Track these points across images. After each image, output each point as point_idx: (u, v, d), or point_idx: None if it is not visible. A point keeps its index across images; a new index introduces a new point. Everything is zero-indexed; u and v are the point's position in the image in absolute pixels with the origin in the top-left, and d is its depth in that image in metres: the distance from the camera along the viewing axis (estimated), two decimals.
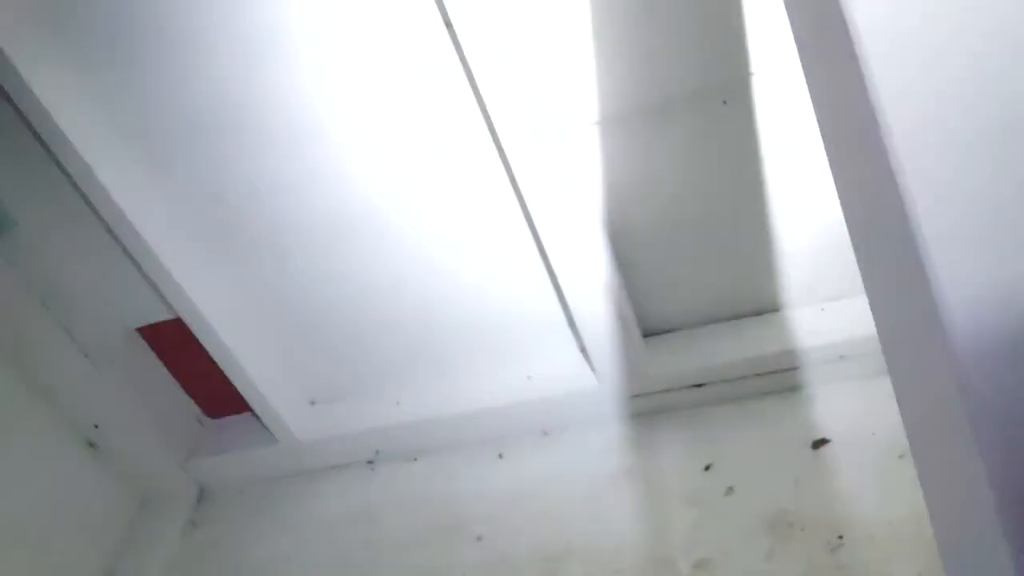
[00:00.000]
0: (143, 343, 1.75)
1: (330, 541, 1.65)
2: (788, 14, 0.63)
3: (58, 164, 1.41)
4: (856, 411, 1.43)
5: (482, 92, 1.26)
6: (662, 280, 1.55)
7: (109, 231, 1.48)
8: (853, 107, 0.46)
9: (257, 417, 1.75)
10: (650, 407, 1.58)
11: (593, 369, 1.57)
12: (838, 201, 0.62)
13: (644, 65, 1.30)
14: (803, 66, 0.62)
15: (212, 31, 1.30)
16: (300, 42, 1.30)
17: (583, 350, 1.57)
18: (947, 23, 0.45)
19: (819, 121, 0.61)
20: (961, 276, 0.41)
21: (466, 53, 1.22)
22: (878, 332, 0.59)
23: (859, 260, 0.58)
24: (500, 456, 1.65)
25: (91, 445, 1.71)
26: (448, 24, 1.22)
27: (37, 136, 1.38)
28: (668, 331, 1.61)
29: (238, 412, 1.82)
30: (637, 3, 1.23)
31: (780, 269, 1.51)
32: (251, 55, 1.32)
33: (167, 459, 1.80)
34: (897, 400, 0.57)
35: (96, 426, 1.69)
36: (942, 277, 0.41)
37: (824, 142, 0.61)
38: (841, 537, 1.28)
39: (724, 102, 1.31)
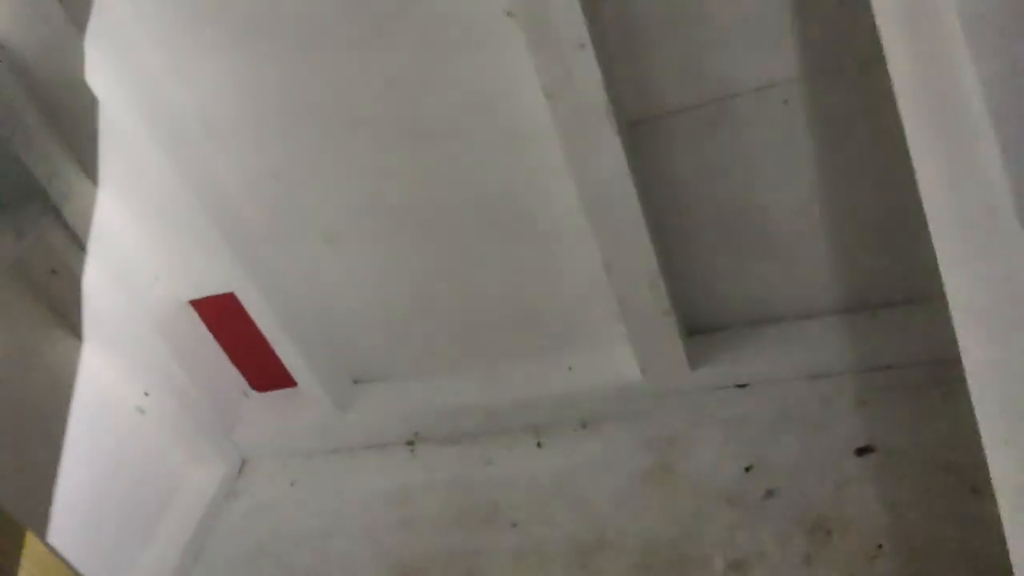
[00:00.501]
0: (195, 315, 1.79)
1: (366, 519, 1.67)
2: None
3: (121, 132, 1.44)
4: (902, 421, 1.41)
5: (541, 80, 1.26)
6: (711, 278, 1.54)
7: (168, 204, 1.51)
8: (948, 93, 0.45)
9: (302, 392, 1.77)
10: (692, 405, 1.57)
11: (636, 363, 1.57)
12: (921, 194, 0.59)
13: (706, 61, 1.29)
14: (888, 52, 0.59)
15: None
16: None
17: (628, 344, 1.57)
18: None
19: (904, 107, 0.58)
20: None
21: (527, 39, 1.22)
22: None
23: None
24: (539, 445, 1.66)
25: (140, 411, 1.75)
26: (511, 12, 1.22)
27: (102, 104, 1.41)
28: (714, 329, 1.60)
29: (283, 387, 1.85)
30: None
31: (831, 272, 1.49)
32: (313, 40, 1.34)
33: (212, 429, 1.84)
34: None
35: (146, 393, 1.73)
36: None
37: (909, 129, 0.59)
38: (881, 546, 1.27)
39: (785, 102, 1.30)
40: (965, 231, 0.50)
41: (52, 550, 1.35)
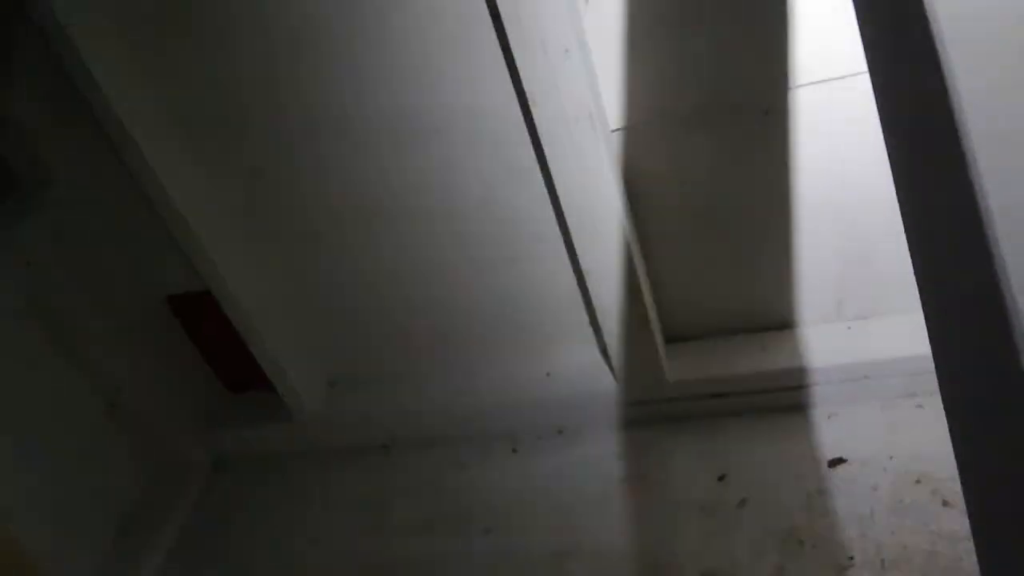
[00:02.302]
0: (170, 312, 1.77)
1: (340, 522, 1.66)
2: (858, 15, 0.61)
3: (100, 130, 1.42)
4: (876, 433, 1.42)
5: (525, 86, 1.26)
6: (688, 287, 1.55)
7: (146, 200, 1.49)
8: (931, 108, 0.45)
9: (276, 394, 1.76)
10: (668, 413, 1.58)
11: (613, 371, 1.57)
12: (900, 211, 0.59)
13: (686, 72, 1.29)
14: (871, 66, 0.60)
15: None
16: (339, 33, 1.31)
17: (604, 352, 1.57)
18: None
19: (884, 118, 0.59)
20: None
21: (512, 44, 1.22)
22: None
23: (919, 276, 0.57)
24: (514, 451, 1.66)
25: (112, 408, 1.73)
26: (496, 16, 1.22)
27: (83, 104, 1.39)
28: (691, 339, 1.61)
29: (258, 388, 1.84)
30: (688, 12, 1.23)
31: (808, 284, 1.50)
32: (292, 40, 1.33)
33: (185, 429, 1.82)
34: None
35: (118, 389, 1.71)
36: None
37: (889, 140, 0.59)
38: (852, 558, 1.28)
39: (765, 112, 1.31)
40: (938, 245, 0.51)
41: (21, 549, 1.33)
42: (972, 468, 0.51)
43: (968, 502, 0.50)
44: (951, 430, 0.53)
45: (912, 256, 0.56)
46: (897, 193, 0.58)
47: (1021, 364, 0.38)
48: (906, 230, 0.57)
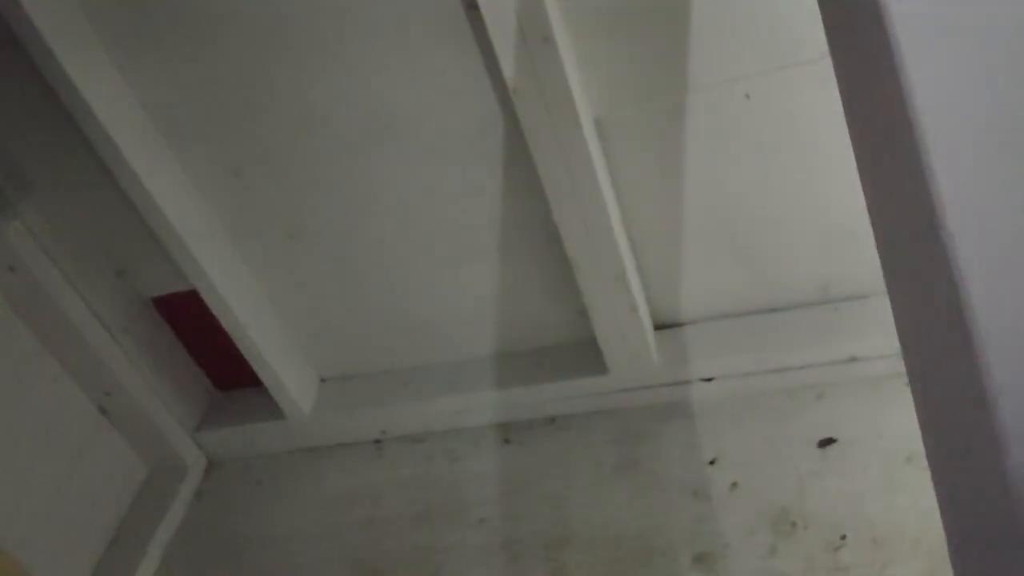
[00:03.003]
0: (157, 314, 1.77)
1: (333, 518, 1.66)
2: (820, 4, 0.62)
3: (78, 131, 1.41)
4: (865, 412, 1.43)
5: (505, 75, 1.26)
6: (676, 273, 1.55)
7: (128, 200, 1.48)
8: (886, 99, 0.45)
9: (267, 392, 1.76)
10: (658, 399, 1.58)
11: (603, 358, 1.57)
12: (863, 197, 0.60)
13: (666, 56, 1.29)
14: (832, 56, 0.61)
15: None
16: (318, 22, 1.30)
17: (594, 339, 1.57)
18: (986, 15, 0.45)
19: (847, 113, 0.60)
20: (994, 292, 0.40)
21: (491, 33, 1.22)
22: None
23: (882, 258, 0.58)
24: (506, 441, 1.66)
25: (102, 411, 1.73)
26: (473, 7, 1.22)
27: (60, 104, 1.38)
28: (680, 324, 1.61)
29: (248, 386, 1.83)
30: None
31: (795, 267, 1.50)
32: (272, 37, 1.33)
33: (176, 429, 1.81)
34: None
35: (107, 393, 1.70)
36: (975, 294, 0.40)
37: (851, 133, 0.60)
38: (844, 537, 1.28)
39: (747, 96, 1.31)
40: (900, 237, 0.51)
41: (7, 553, 1.33)
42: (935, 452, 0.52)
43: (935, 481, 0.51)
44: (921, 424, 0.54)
45: (877, 247, 0.57)
46: (862, 185, 0.59)
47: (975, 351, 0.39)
48: (872, 223, 0.58)
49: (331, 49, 1.33)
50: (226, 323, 1.63)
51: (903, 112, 0.43)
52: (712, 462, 1.46)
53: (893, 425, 1.39)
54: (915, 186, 0.43)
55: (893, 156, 0.48)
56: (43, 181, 1.55)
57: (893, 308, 0.57)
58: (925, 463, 1.30)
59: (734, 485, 1.42)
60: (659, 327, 1.61)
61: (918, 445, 1.39)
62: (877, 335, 1.44)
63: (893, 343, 1.43)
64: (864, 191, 0.60)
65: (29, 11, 1.26)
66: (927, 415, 0.54)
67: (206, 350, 1.83)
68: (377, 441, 1.77)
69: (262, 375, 1.72)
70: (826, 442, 1.42)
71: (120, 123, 1.41)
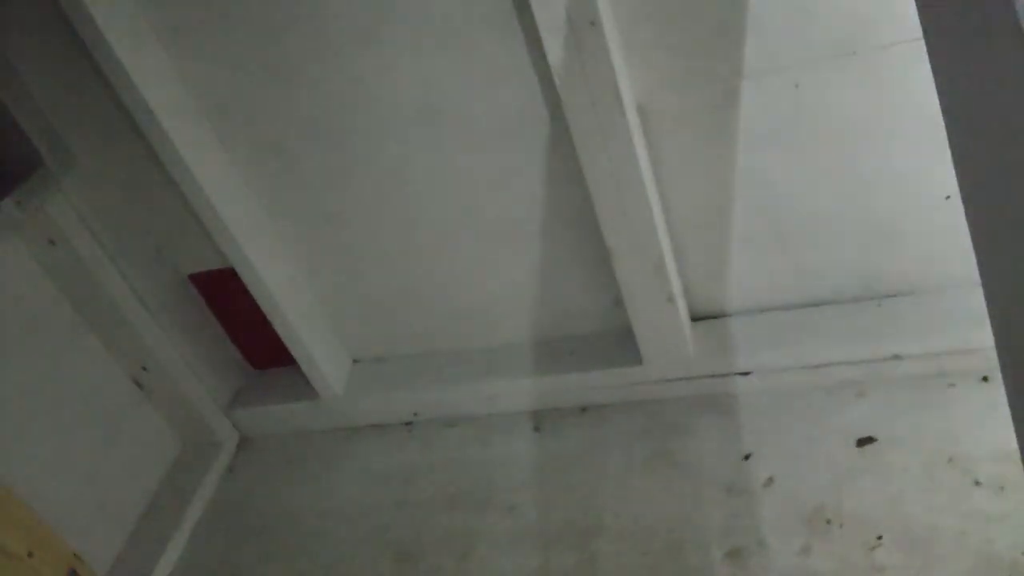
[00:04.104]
0: (194, 291, 1.78)
1: (363, 498, 1.66)
2: None
3: (123, 108, 1.42)
4: (906, 411, 1.40)
5: (550, 59, 1.24)
6: (715, 264, 1.53)
7: (169, 178, 1.49)
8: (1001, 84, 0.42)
9: (300, 371, 1.76)
10: (693, 391, 1.57)
11: (638, 349, 1.56)
12: (957, 186, 0.57)
13: (713, 42, 1.27)
14: (927, 37, 0.57)
15: None
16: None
17: (629, 329, 1.56)
18: None
19: (943, 99, 0.56)
20: None
21: (536, 17, 1.21)
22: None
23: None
24: (537, 429, 1.65)
25: (138, 385, 1.74)
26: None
27: (105, 81, 1.39)
28: (718, 316, 1.59)
29: (282, 365, 1.84)
30: None
31: (837, 261, 1.47)
32: (315, 18, 1.32)
33: (211, 406, 1.83)
34: None
35: (144, 368, 1.72)
36: None
37: (948, 120, 0.56)
38: (880, 537, 1.26)
39: (796, 86, 1.28)
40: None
41: (44, 522, 1.35)
42: None
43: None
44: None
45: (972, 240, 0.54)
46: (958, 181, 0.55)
47: None
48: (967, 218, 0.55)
49: (373, 32, 1.33)
50: (262, 302, 1.64)
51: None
52: (747, 457, 1.44)
53: (935, 426, 1.36)
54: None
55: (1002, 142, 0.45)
56: (86, 157, 1.56)
57: (987, 300, 0.55)
58: (966, 465, 1.28)
59: (769, 481, 1.40)
60: (697, 318, 1.59)
61: (959, 447, 1.37)
62: (921, 333, 1.41)
63: (936, 341, 1.41)
64: (959, 180, 0.56)
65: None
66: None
67: (242, 328, 1.84)
68: (409, 423, 1.77)
69: (296, 354, 1.73)
70: (865, 440, 1.39)
71: (162, 100, 1.41)
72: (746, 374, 1.53)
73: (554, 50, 1.23)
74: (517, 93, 1.35)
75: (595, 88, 1.25)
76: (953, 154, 0.54)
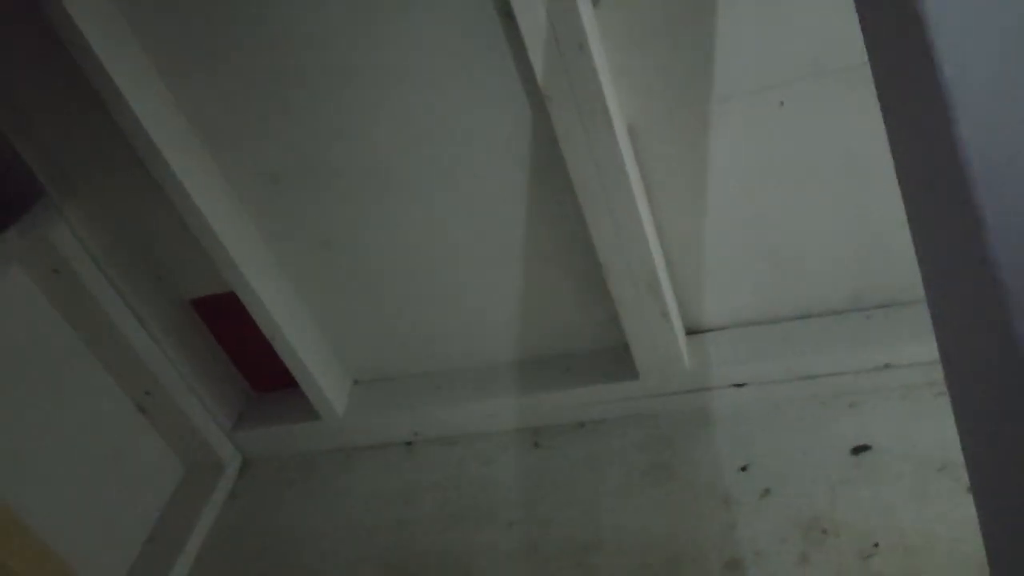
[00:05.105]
0: (196, 315, 1.80)
1: (365, 518, 1.68)
2: (858, 10, 0.62)
3: (123, 137, 1.45)
4: (898, 420, 1.42)
5: (539, 81, 1.27)
6: (708, 279, 1.55)
7: (170, 204, 1.52)
8: (928, 112, 0.45)
9: (302, 393, 1.78)
10: (689, 405, 1.58)
11: (634, 363, 1.58)
12: (903, 205, 0.60)
13: (700, 63, 1.30)
14: (872, 64, 0.60)
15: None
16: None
17: (625, 344, 1.58)
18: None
19: (888, 122, 0.59)
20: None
21: (526, 41, 1.24)
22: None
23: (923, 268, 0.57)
24: (536, 445, 1.67)
25: (141, 410, 1.76)
26: (509, 15, 1.23)
27: (105, 110, 1.42)
28: (712, 330, 1.61)
29: (284, 387, 1.86)
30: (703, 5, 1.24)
31: (827, 274, 1.50)
32: (310, 46, 1.35)
33: (213, 429, 1.85)
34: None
35: (147, 392, 1.74)
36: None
37: (892, 143, 0.60)
38: (876, 545, 1.28)
39: (781, 104, 1.31)
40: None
41: (48, 547, 1.36)
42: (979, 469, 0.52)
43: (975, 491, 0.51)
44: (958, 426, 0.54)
45: (916, 253, 0.57)
46: (901, 191, 0.58)
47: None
48: (911, 229, 0.58)
49: (368, 58, 1.36)
50: (263, 325, 1.66)
51: (947, 131, 0.43)
52: (743, 468, 1.46)
53: (927, 434, 1.38)
54: (960, 201, 0.43)
55: (936, 169, 0.47)
56: (88, 186, 1.59)
57: (933, 318, 0.57)
58: (958, 472, 1.30)
59: (765, 492, 1.41)
60: (691, 332, 1.61)
61: (951, 454, 1.39)
62: (911, 343, 1.43)
63: (927, 351, 1.43)
64: (905, 200, 0.60)
65: (78, 21, 1.30)
66: (967, 426, 0.54)
67: (243, 352, 1.86)
68: (409, 443, 1.79)
69: (297, 376, 1.75)
70: (860, 449, 1.41)
71: (163, 130, 1.44)
72: (741, 386, 1.55)
73: (543, 73, 1.26)
74: (508, 116, 1.38)
75: (585, 110, 1.28)
76: (898, 179, 0.57)
